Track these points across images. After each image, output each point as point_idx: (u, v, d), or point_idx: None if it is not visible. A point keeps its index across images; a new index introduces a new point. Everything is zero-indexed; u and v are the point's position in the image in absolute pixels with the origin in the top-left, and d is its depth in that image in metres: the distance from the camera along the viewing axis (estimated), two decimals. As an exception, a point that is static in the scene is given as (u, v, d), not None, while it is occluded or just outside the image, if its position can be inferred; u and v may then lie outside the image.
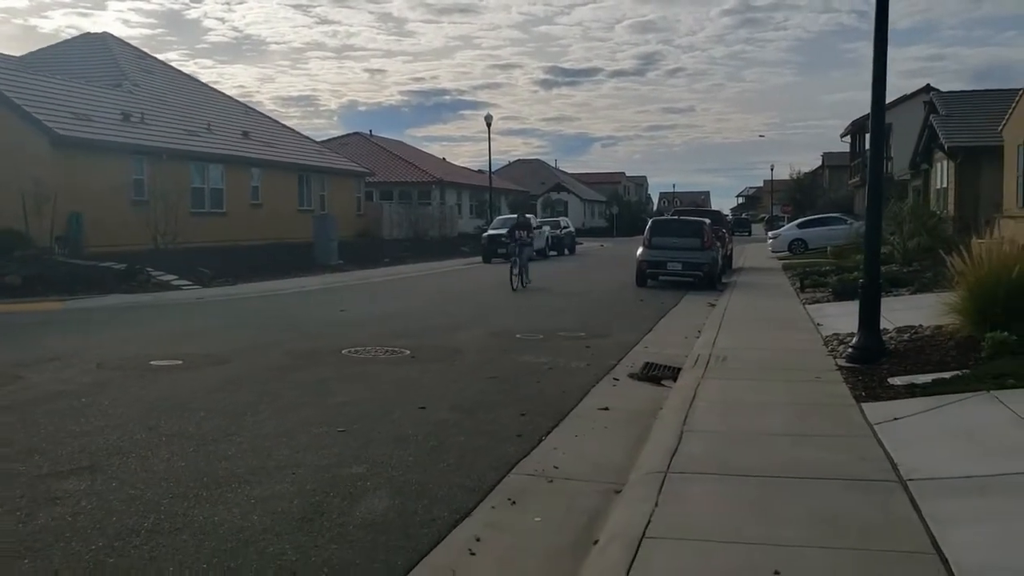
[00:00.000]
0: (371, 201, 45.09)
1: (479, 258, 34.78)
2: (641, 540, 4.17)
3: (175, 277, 21.86)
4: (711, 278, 20.96)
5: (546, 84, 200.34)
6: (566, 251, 40.96)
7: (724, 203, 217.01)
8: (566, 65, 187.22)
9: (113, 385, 8.54)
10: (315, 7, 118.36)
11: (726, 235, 27.18)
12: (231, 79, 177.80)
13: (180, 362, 9.87)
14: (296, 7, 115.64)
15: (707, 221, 23.25)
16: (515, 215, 41.70)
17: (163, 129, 29.32)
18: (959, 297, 9.21)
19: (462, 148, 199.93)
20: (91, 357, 10.23)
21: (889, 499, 4.70)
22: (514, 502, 5.12)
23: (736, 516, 4.51)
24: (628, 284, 21.11)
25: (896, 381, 7.71)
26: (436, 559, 4.25)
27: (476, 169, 68.92)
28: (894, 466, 5.31)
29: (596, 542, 4.40)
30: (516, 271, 20.84)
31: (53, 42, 67.60)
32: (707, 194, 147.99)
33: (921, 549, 3.98)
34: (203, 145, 30.47)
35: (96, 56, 34.43)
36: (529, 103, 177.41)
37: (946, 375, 7.54)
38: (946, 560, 3.81)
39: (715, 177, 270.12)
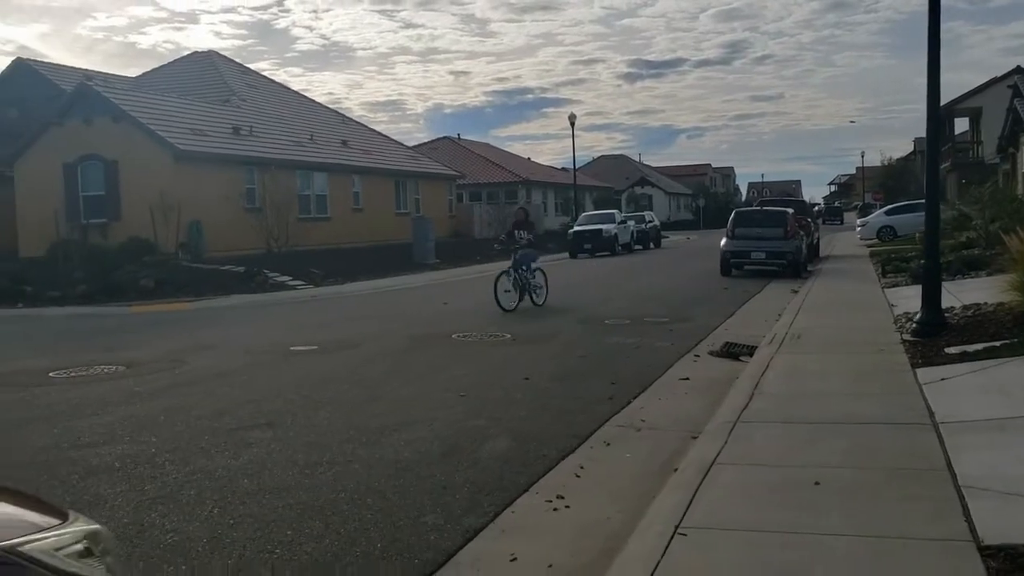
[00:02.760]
0: (461, 202, 46.79)
1: (566, 254, 35.90)
2: (711, 465, 5.30)
3: (289, 278, 23.70)
4: (795, 266, 21.61)
5: (629, 77, 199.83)
6: (651, 245, 41.75)
7: (815, 192, 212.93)
8: (650, 57, 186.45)
9: (264, 366, 10.07)
10: (400, 12, 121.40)
11: (810, 224, 27.65)
12: (320, 86, 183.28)
13: (316, 347, 11.38)
14: (381, 12, 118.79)
15: (790, 210, 23.86)
16: (598, 211, 42.95)
17: (270, 141, 31.44)
18: (1017, 275, 9.95)
19: (545, 146, 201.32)
20: (237, 346, 11.84)
21: (919, 436, 5.71)
22: (608, 444, 6.31)
23: (789, 449, 5.59)
24: (713, 274, 21.95)
25: (951, 350, 8.58)
26: (550, 479, 5.47)
27: (560, 167, 70.08)
28: (931, 414, 6.28)
29: (676, 469, 5.54)
30: (511, 284, 15.35)
31: (152, 57, 71.22)
32: (797, 183, 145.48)
33: (936, 467, 5.01)
34: (307, 154, 32.53)
35: (204, 74, 36.92)
36: (612, 97, 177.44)
37: (996, 344, 8.38)
38: (955, 474, 4.83)
39: (805, 165, 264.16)
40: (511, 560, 4.20)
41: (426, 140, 58.79)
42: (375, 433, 6.66)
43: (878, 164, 71.68)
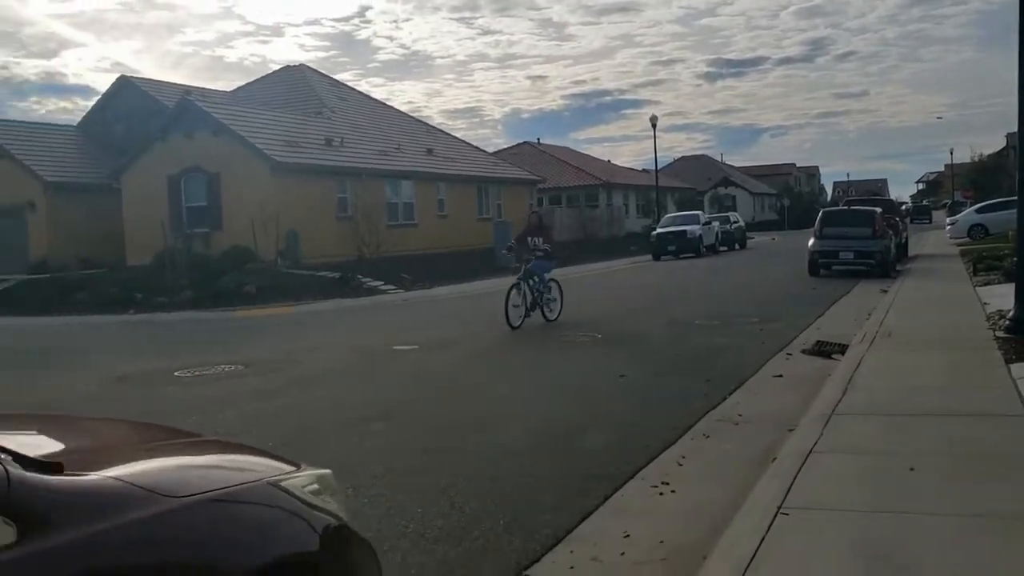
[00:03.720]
0: (542, 206, 47.28)
1: (648, 256, 36.01)
2: (809, 454, 5.60)
3: (381, 282, 24.53)
4: (883, 266, 21.41)
5: (710, 77, 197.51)
6: (736, 246, 41.51)
7: (903, 190, 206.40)
8: (730, 56, 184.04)
9: (373, 364, 10.70)
10: (477, 19, 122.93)
11: (899, 223, 27.26)
12: (400, 95, 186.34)
13: (416, 347, 11.98)
14: (459, 20, 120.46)
15: (878, 210, 23.61)
16: (681, 212, 42.83)
17: (360, 151, 32.45)
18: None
19: (624, 148, 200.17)
20: (343, 346, 12.53)
21: (1012, 425, 5.90)
22: (708, 436, 6.65)
23: (884, 439, 5.85)
24: (801, 274, 21.89)
25: (1047, 347, 8.63)
26: (654, 467, 5.84)
27: (640, 169, 69.99)
28: (1025, 406, 6.44)
29: (774, 459, 5.86)
30: (520, 298, 14.04)
31: (238, 70, 73.84)
32: (884, 182, 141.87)
33: (1030, 456, 5.22)
34: (395, 163, 33.45)
35: (296, 87, 38.25)
36: (692, 97, 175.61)
37: (1094, 340, 8.40)
38: (1048, 462, 5.04)
39: (892, 163, 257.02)
40: (624, 536, 4.59)
41: (506, 146, 59.59)
42: (484, 423, 7.14)
43: (968, 161, 69.52)
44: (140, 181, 28.52)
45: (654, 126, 47.22)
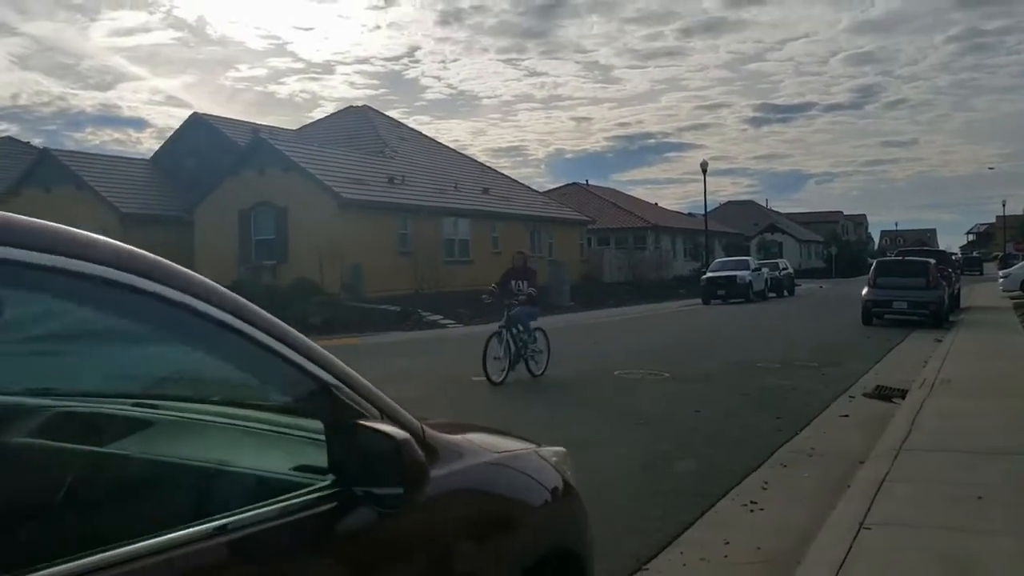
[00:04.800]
0: (590, 247, 48.09)
1: (698, 300, 36.52)
2: (882, 482, 6.21)
3: (441, 317, 25.39)
4: (937, 316, 21.76)
5: (756, 122, 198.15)
6: (785, 292, 41.83)
7: (952, 241, 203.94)
8: (777, 101, 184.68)
9: (457, 393, 11.45)
10: (524, 60, 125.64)
11: (952, 274, 27.55)
12: (447, 133, 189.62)
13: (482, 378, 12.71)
14: (506, 61, 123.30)
15: (932, 260, 23.99)
16: (728, 258, 43.30)
17: (420, 189, 33.58)
18: None
19: (667, 190, 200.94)
20: (424, 375, 13.30)
21: (1072, 465, 6.46)
22: (785, 466, 7.28)
23: (951, 472, 6.44)
24: (854, 322, 22.31)
25: (1103, 396, 9.13)
26: (740, 490, 6.49)
27: (687, 212, 70.64)
28: (1083, 449, 6.99)
29: (849, 486, 6.47)
30: (502, 349, 12.47)
31: (288, 106, 76.31)
32: (933, 232, 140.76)
33: (1088, 490, 5.79)
34: (452, 202, 34.54)
35: (359, 127, 39.68)
36: (738, 142, 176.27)
37: None
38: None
39: (941, 214, 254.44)
40: (725, 543, 5.25)
41: (549, 184, 60.71)
42: (578, 449, 7.81)
43: (1020, 213, 69.08)
44: (212, 214, 29.85)
45: (704, 171, 47.92)
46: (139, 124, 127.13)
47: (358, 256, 27.62)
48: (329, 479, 1.89)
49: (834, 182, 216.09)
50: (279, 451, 2.13)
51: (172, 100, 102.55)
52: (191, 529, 1.60)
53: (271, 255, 28.66)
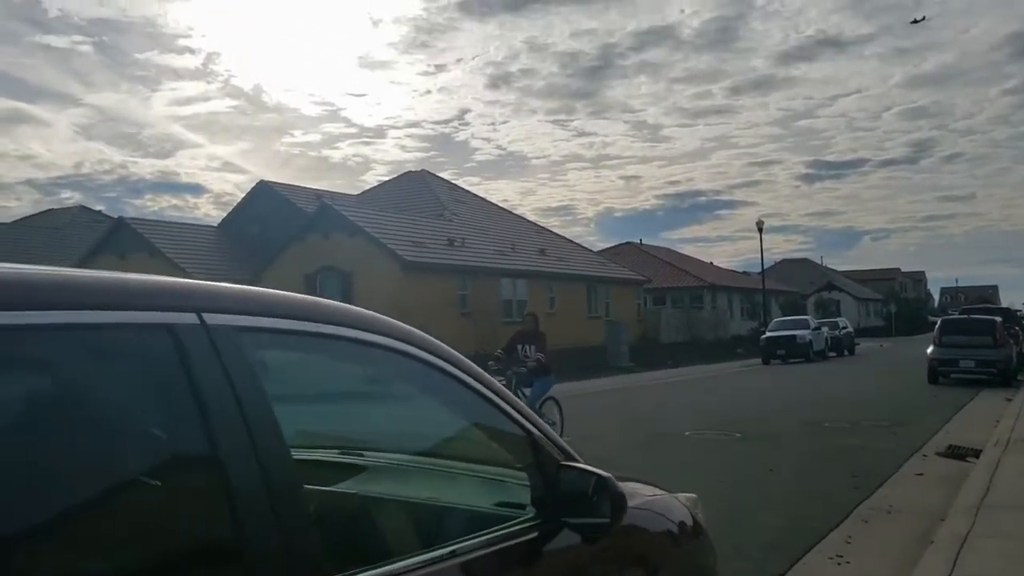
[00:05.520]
0: (647, 306, 48.25)
1: (757, 360, 36.36)
2: (965, 538, 6.36)
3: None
4: (1005, 375, 21.51)
5: (808, 179, 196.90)
6: (845, 352, 41.41)
7: (1014, 297, 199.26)
8: (830, 158, 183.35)
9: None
10: (573, 121, 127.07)
11: (1019, 332, 27.17)
12: (496, 193, 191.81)
13: (568, 438, 12.96)
14: (555, 122, 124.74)
15: (998, 319, 23.77)
16: (787, 317, 43.08)
17: (478, 251, 34.28)
18: None
19: (718, 248, 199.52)
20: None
21: None
22: (866, 522, 7.44)
23: (1036, 528, 6.57)
24: (920, 382, 22.13)
25: None
26: (825, 544, 6.68)
27: (741, 271, 70.44)
28: None
29: (932, 541, 6.62)
30: None
31: (341, 170, 78.69)
32: (994, 288, 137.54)
33: None
34: (510, 263, 35.14)
35: (417, 190, 40.76)
36: (790, 199, 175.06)
37: None
38: None
39: (1004, 269, 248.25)
40: (816, 594, 5.47)
41: (600, 243, 61.20)
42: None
43: (1089, 268, 67.59)
44: (279, 278, 30.73)
45: (760, 230, 47.93)
46: (196, 190, 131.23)
47: (421, 317, 28.04)
48: (531, 512, 2.28)
49: (890, 238, 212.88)
50: (483, 490, 2.53)
51: (228, 166, 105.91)
52: (432, 553, 1.99)
53: (336, 317, 29.38)
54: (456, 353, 2.30)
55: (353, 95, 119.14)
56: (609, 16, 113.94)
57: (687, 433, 13.40)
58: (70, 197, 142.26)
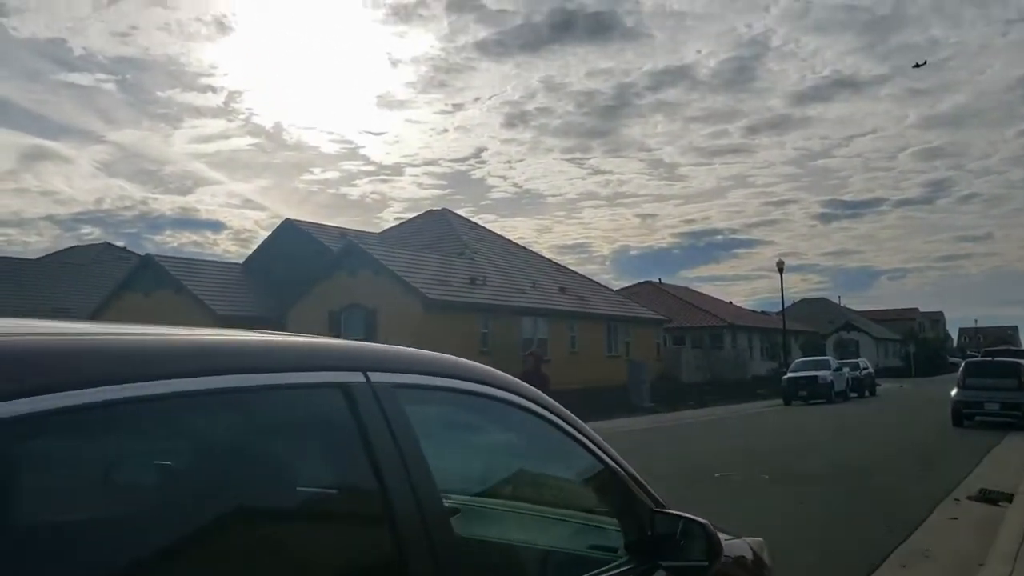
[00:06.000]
0: (666, 346, 48.23)
1: (778, 400, 36.25)
2: (1008, 582, 6.46)
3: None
4: (1031, 418, 21.41)
5: (824, 218, 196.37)
6: (866, 392, 41.20)
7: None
8: (846, 197, 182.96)
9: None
10: (588, 159, 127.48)
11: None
12: (512, 231, 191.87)
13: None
14: (571, 160, 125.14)
15: (1023, 361, 23.71)
16: (809, 358, 42.98)
17: (499, 289, 34.52)
18: None
19: (735, 287, 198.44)
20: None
21: None
22: (904, 566, 7.52)
23: (1076, 574, 6.64)
24: (944, 424, 22.06)
25: None
26: (866, 588, 6.78)
27: (759, 310, 70.31)
28: None
29: (973, 586, 6.71)
30: None
31: (359, 207, 79.91)
32: (1015, 329, 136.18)
33: None
34: (530, 301, 35.34)
35: (440, 230, 41.09)
36: (807, 238, 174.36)
37: None
38: None
39: (1022, 310, 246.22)
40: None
41: (616, 281, 61.36)
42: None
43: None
44: (304, 316, 31.09)
45: (780, 270, 48.01)
46: (216, 226, 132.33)
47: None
48: (623, 555, 2.44)
49: (907, 278, 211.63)
50: (576, 533, 2.70)
51: (248, 203, 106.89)
52: None
53: (359, 355, 29.61)
54: (558, 404, 2.49)
55: (371, 133, 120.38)
56: (625, 56, 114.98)
57: (716, 475, 13.46)
58: (90, 233, 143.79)
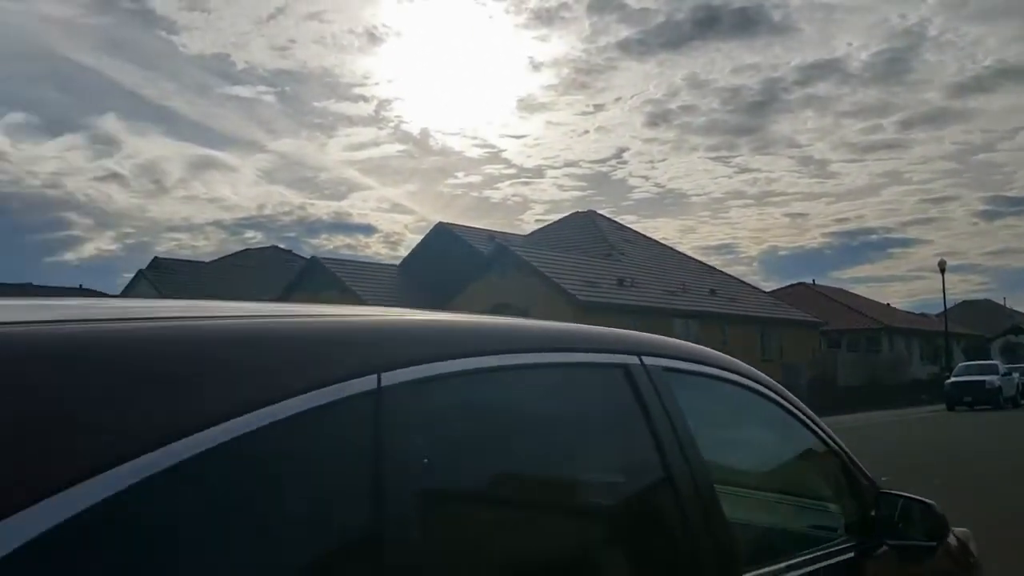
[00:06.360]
0: (821, 349, 46.78)
1: (941, 406, 34.59)
2: None
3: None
4: None
5: (987, 215, 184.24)
6: (1038, 398, 38.69)
7: None
8: (1011, 193, 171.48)
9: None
10: (735, 157, 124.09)
11: None
12: (654, 232, 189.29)
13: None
14: (716, 159, 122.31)
15: None
16: (973, 361, 40.60)
17: (648, 291, 34.52)
18: None
19: (890, 288, 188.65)
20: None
21: None
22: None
23: None
24: None
25: None
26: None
27: (918, 312, 67.02)
28: None
29: None
30: None
31: (500, 209, 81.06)
32: None
33: None
34: (681, 303, 35.16)
35: (586, 231, 41.44)
36: (967, 236, 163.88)
37: None
38: None
39: None
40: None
41: (764, 283, 59.79)
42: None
43: None
44: (458, 315, 32.07)
45: (943, 270, 45.70)
46: (368, 230, 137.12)
47: (593, 356, 28.68)
48: (842, 534, 2.65)
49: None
50: (797, 514, 2.93)
51: (397, 207, 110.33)
52: (780, 564, 2.39)
53: (512, 355, 30.30)
54: (791, 393, 2.75)
55: (513, 136, 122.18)
56: (773, 51, 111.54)
57: (883, 478, 13.16)
58: (253, 237, 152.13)
